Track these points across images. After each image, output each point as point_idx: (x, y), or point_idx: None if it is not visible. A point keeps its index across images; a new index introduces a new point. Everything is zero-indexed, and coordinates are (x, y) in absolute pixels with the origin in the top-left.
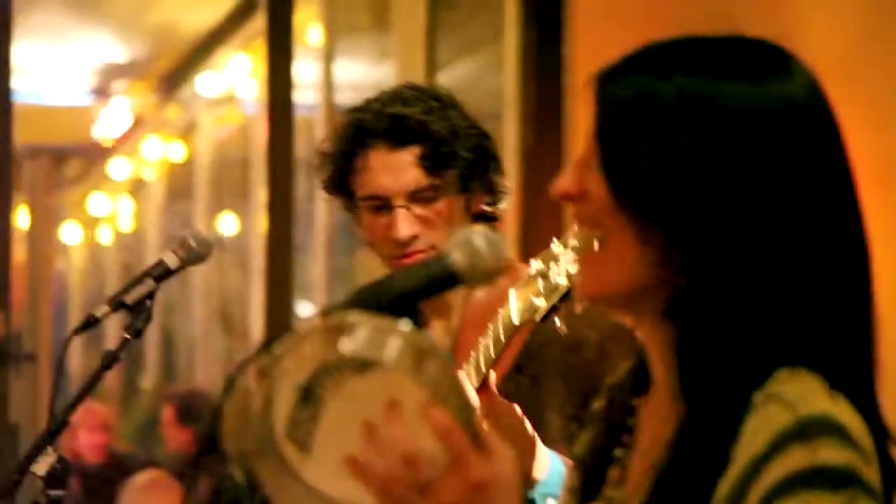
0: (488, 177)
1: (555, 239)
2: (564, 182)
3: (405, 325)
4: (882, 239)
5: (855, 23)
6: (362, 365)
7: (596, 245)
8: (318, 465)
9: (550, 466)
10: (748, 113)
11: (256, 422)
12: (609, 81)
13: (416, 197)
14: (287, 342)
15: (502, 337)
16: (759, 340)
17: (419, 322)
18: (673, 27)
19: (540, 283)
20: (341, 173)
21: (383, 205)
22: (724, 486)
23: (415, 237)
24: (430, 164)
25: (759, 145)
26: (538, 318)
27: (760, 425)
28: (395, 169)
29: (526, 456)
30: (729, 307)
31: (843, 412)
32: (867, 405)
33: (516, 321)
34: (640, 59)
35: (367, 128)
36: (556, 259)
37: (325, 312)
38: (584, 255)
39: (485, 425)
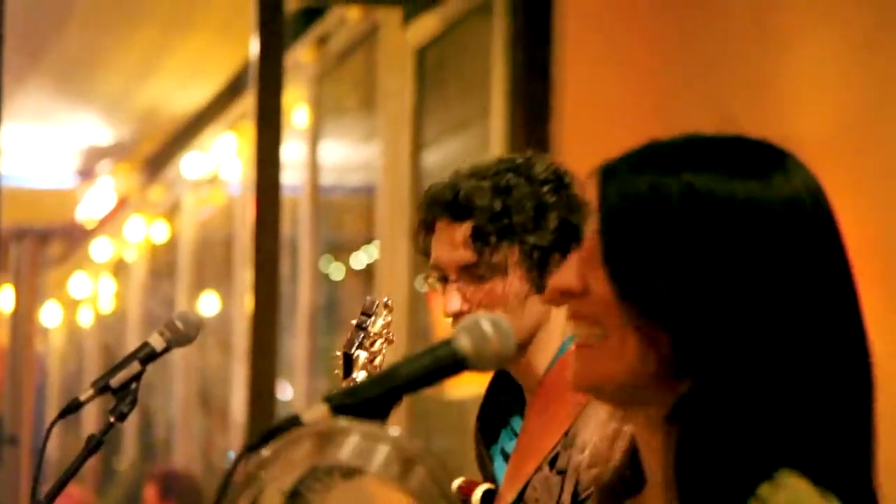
0: (563, 252)
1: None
2: (566, 278)
3: (394, 430)
4: (877, 323)
5: (846, 103)
6: (350, 470)
7: (593, 341)
8: None
9: None
10: (755, 211)
11: None
12: (614, 177)
13: (466, 273)
14: (276, 446)
15: None
16: (762, 445)
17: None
18: (661, 111)
19: None
20: (424, 241)
21: (442, 277)
22: None
23: (462, 313)
24: (480, 239)
25: (766, 244)
26: None
27: None
28: (450, 242)
29: None
30: (734, 410)
31: None
32: None
33: None
34: (645, 155)
35: (435, 200)
36: None
37: (329, 399)
38: (582, 346)
39: None
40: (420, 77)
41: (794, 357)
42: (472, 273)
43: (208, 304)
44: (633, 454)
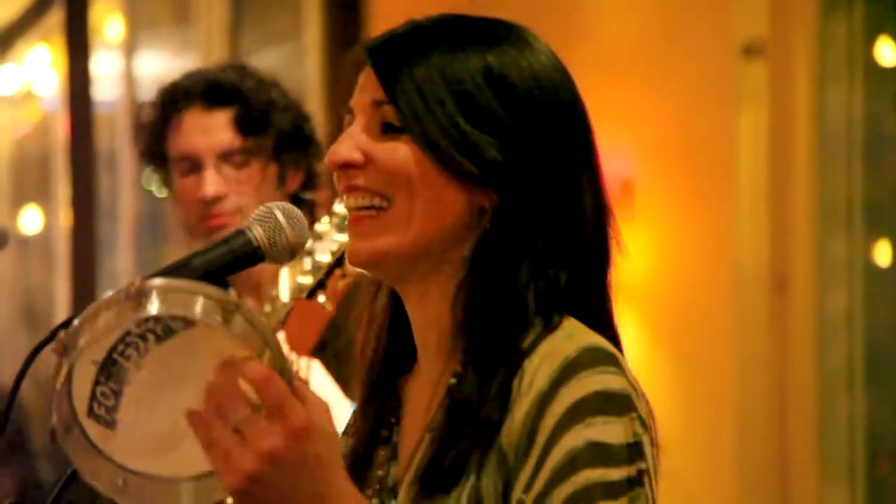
0: (304, 157)
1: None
2: (346, 151)
3: (204, 284)
4: (684, 213)
5: (647, 14)
6: (166, 330)
7: (374, 213)
8: (124, 440)
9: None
10: (537, 77)
11: (59, 401)
12: (395, 59)
13: (227, 158)
14: (84, 316)
15: (274, 316)
16: (544, 287)
17: None
18: None
19: (307, 261)
20: (157, 138)
21: (193, 165)
22: (514, 426)
23: (221, 197)
24: (243, 126)
25: (547, 105)
26: (304, 296)
27: (542, 361)
28: (208, 129)
29: None
30: (526, 251)
31: (612, 347)
32: (619, 350)
33: (285, 299)
34: (420, 35)
35: (182, 90)
36: (320, 237)
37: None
38: (363, 218)
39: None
40: None
41: (570, 202)
42: (230, 159)
43: (30, 221)
44: (390, 337)
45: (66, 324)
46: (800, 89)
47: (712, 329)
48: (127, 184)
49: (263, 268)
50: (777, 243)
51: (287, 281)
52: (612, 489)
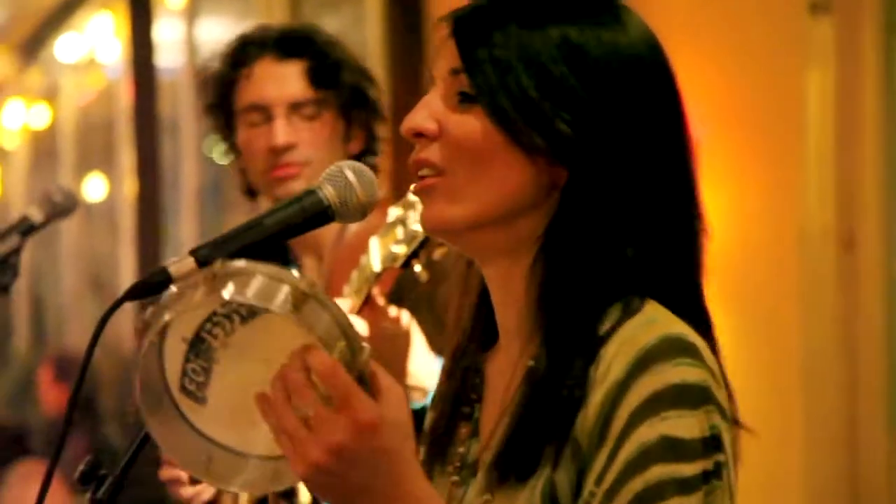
0: (367, 117)
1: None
2: (420, 119)
3: (290, 271)
4: (752, 173)
5: None
6: (249, 312)
7: (435, 182)
8: (212, 415)
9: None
10: (619, 53)
11: (148, 376)
12: (475, 29)
13: (298, 109)
14: (173, 293)
15: (364, 285)
16: (620, 267)
17: (289, 260)
18: None
19: (399, 230)
20: (226, 88)
21: (264, 115)
22: (589, 415)
23: (291, 146)
24: (315, 77)
25: (629, 82)
26: (398, 264)
27: (619, 349)
28: (280, 79)
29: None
30: (598, 231)
31: (693, 335)
32: (707, 334)
33: (377, 269)
34: (503, 5)
35: (254, 41)
36: (414, 206)
37: (196, 252)
38: (424, 187)
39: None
40: None
41: (649, 185)
42: (301, 110)
43: (94, 189)
44: (477, 311)
45: (134, 289)
46: (867, 47)
47: (780, 289)
48: (190, 151)
49: (325, 229)
50: (845, 202)
51: (378, 249)
52: (684, 485)
